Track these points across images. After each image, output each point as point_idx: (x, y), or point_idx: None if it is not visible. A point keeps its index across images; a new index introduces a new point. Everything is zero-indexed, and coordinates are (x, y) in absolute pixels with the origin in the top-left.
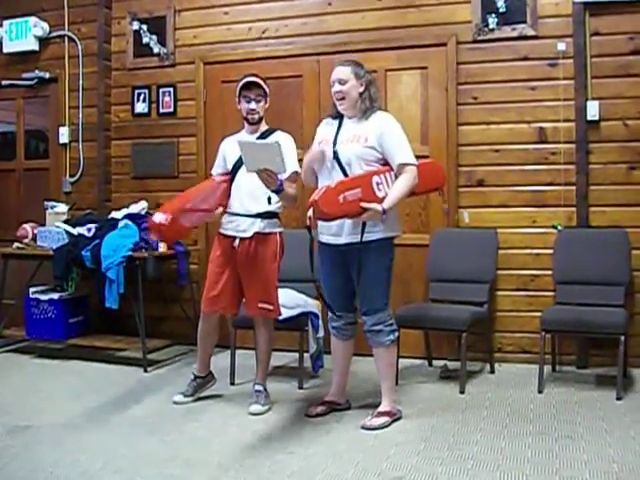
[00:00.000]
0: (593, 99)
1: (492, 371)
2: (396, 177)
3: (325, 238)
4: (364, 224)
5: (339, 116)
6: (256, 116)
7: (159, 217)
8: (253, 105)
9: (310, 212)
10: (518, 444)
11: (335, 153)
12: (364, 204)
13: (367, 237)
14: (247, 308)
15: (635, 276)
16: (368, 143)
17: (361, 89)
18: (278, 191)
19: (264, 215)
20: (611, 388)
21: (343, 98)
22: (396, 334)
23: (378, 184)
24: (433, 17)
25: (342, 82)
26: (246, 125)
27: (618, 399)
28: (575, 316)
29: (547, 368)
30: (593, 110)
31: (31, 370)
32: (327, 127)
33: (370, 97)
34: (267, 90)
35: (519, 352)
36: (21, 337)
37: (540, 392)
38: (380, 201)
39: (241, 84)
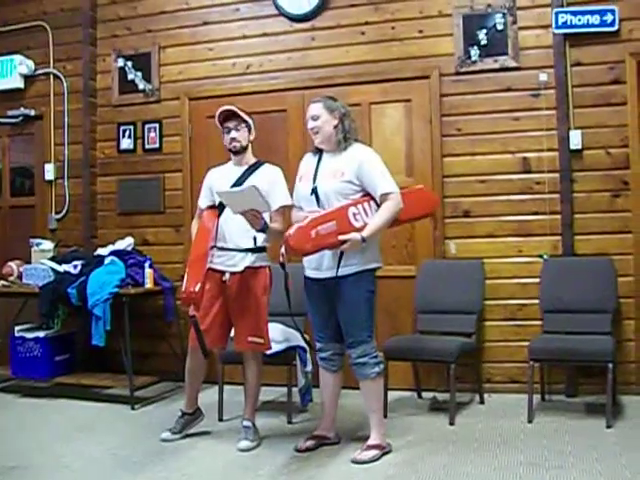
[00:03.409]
0: (576, 128)
1: (482, 402)
2: (378, 207)
3: (308, 272)
4: (340, 258)
5: (319, 151)
6: (238, 145)
7: (191, 287)
8: (234, 134)
9: (282, 249)
10: (509, 475)
11: (314, 189)
12: (342, 236)
13: (345, 270)
14: (237, 343)
15: (622, 303)
16: (345, 177)
17: (335, 122)
18: (263, 230)
19: (254, 249)
20: (601, 416)
21: (317, 132)
22: (382, 366)
23: (355, 214)
24: (416, 50)
25: (315, 118)
26: (232, 156)
27: (608, 427)
28: (563, 345)
29: (536, 397)
30: (576, 139)
31: (17, 410)
32: (308, 162)
33: (344, 129)
34: (248, 119)
35: (508, 382)
36: (6, 376)
37: (530, 422)
38: (358, 231)
39: (217, 116)
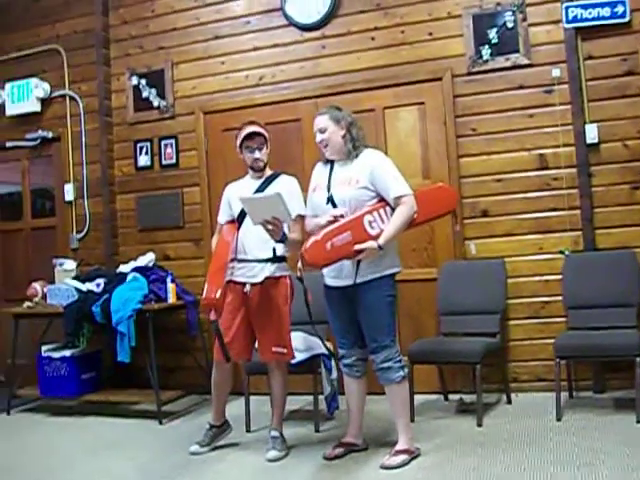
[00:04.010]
0: (591, 122)
1: (509, 401)
2: (393, 211)
3: (328, 281)
4: (358, 266)
5: (330, 160)
6: (261, 164)
7: (211, 293)
8: (257, 154)
9: (300, 264)
10: (540, 475)
11: (330, 198)
12: (358, 246)
13: (364, 277)
14: (261, 353)
15: None
16: (360, 184)
17: (342, 132)
18: (282, 240)
19: (273, 259)
20: (630, 411)
21: (326, 145)
22: (406, 370)
23: (371, 222)
24: (427, 53)
25: (322, 130)
26: (250, 171)
27: (638, 422)
28: (588, 340)
29: (564, 395)
30: (592, 133)
31: (46, 429)
32: (320, 172)
33: (352, 138)
34: (267, 136)
35: (535, 381)
36: (35, 396)
37: (559, 420)
38: (374, 239)
39: (243, 136)
